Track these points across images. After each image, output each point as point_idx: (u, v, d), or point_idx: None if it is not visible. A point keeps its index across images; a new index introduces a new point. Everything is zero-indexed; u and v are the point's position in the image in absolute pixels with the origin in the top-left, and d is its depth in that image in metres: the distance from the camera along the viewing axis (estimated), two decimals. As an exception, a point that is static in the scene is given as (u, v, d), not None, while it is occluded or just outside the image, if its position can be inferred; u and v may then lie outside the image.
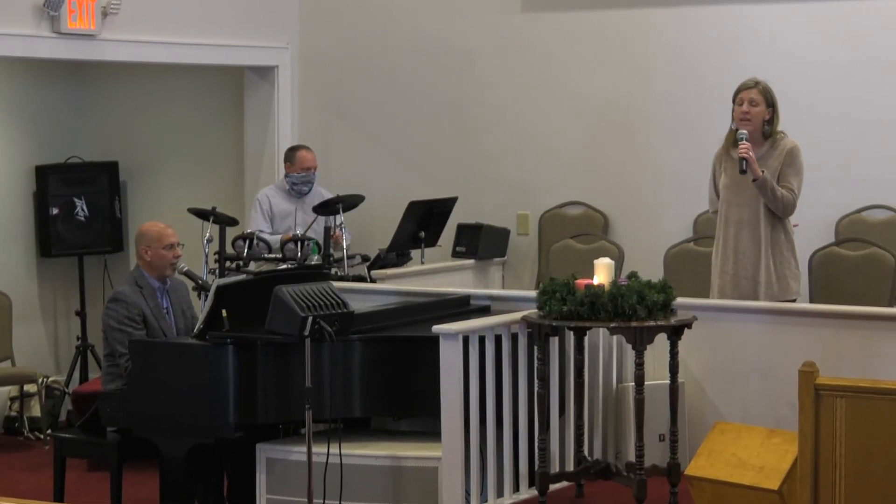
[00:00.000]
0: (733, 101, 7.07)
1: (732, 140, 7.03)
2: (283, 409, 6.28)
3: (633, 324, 6.06)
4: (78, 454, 7.07)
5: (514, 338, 6.39)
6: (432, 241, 8.92)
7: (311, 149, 8.89)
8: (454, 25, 9.44)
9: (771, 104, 7.03)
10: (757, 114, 7.00)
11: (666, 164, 8.88)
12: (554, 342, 6.49)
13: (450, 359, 6.17)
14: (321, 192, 8.85)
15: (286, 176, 8.86)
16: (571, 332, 6.54)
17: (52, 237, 9.69)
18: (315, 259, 8.12)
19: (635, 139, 8.99)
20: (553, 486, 6.45)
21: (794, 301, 7.03)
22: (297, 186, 8.78)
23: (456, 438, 6.16)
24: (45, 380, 8.99)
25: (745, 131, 6.94)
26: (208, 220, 8.29)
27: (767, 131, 7.04)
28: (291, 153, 8.87)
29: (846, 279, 7.67)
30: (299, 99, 9.82)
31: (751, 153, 6.87)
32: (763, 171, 6.90)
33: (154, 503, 6.54)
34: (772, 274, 6.98)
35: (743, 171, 6.87)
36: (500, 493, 6.39)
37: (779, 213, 6.99)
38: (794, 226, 7.18)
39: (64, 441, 6.81)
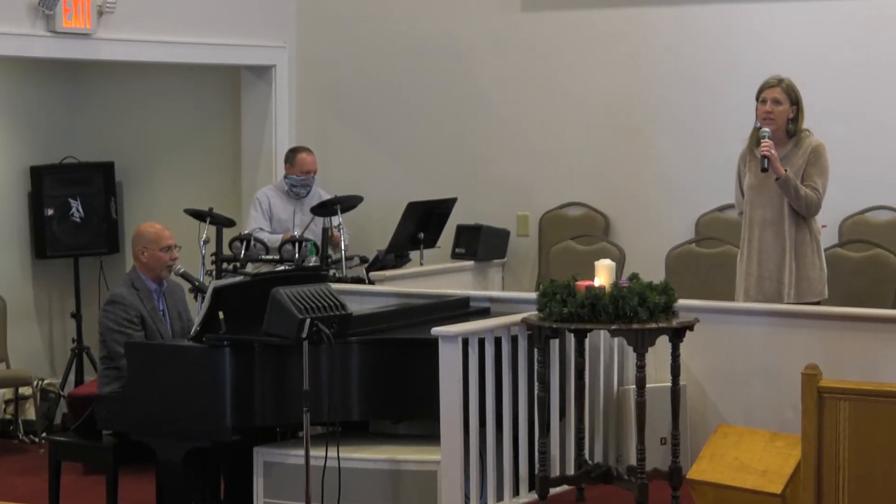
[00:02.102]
0: (756, 100, 6.99)
1: (756, 139, 6.96)
2: (281, 412, 6.27)
3: (635, 326, 6.03)
4: (73, 458, 7.04)
5: (514, 340, 6.37)
6: (431, 242, 8.90)
7: (312, 151, 8.86)
8: (453, 25, 9.42)
9: (795, 102, 6.96)
10: (780, 112, 6.93)
11: (667, 164, 8.85)
12: (554, 344, 6.46)
13: (449, 361, 6.14)
14: (319, 193, 8.83)
15: (285, 177, 8.84)
16: (572, 335, 6.51)
17: (48, 238, 9.67)
18: (313, 260, 8.08)
19: (636, 139, 8.96)
20: (553, 490, 6.41)
21: (819, 303, 6.94)
22: (296, 189, 8.76)
23: (455, 442, 6.13)
24: (40, 382, 8.96)
25: (767, 129, 6.87)
26: (205, 222, 8.27)
27: (791, 129, 6.98)
28: (292, 155, 8.85)
29: (850, 281, 7.63)
30: (297, 99, 9.79)
31: (773, 151, 6.80)
32: (786, 170, 6.84)
33: (150, 507, 6.51)
34: (793, 275, 6.92)
35: (765, 170, 6.81)
36: (499, 497, 6.36)
37: (803, 212, 6.93)
38: (823, 227, 7.12)
39: (59, 444, 6.80)
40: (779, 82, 6.97)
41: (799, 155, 6.95)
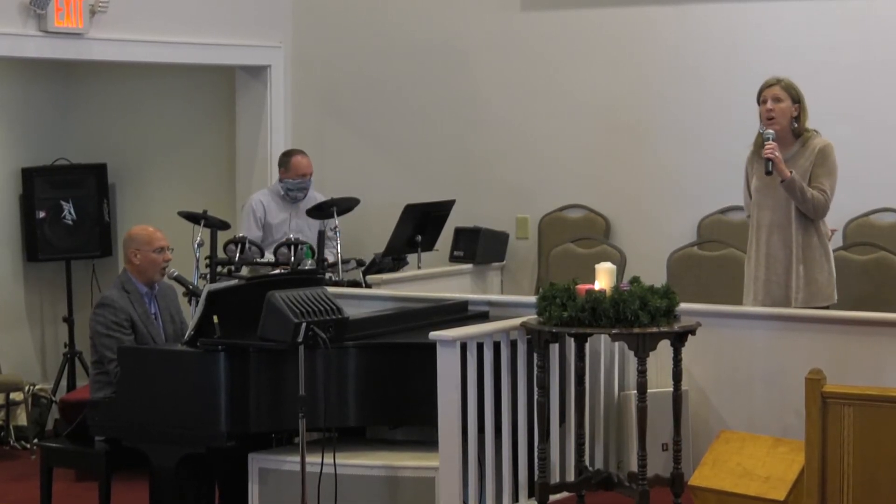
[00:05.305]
0: (758, 102, 6.92)
1: (760, 142, 6.88)
2: (276, 418, 6.24)
3: (636, 330, 5.98)
4: (65, 464, 6.99)
5: (514, 344, 6.33)
6: (429, 245, 8.89)
7: (306, 153, 8.82)
8: (452, 24, 9.41)
9: (797, 100, 6.88)
10: (782, 111, 6.84)
11: (669, 166, 8.84)
12: (554, 349, 6.41)
13: (447, 366, 6.10)
14: (315, 196, 8.78)
15: (280, 181, 8.80)
16: (572, 339, 6.47)
17: (39, 241, 9.66)
18: (309, 264, 8.04)
19: (637, 141, 8.94)
20: (553, 497, 6.37)
21: (828, 307, 6.88)
22: (292, 193, 8.73)
23: (453, 448, 6.09)
24: (31, 388, 8.95)
25: (771, 131, 6.79)
26: (199, 224, 8.25)
27: (797, 129, 6.88)
28: (286, 158, 8.80)
29: (854, 284, 7.58)
30: (292, 99, 9.77)
31: (777, 153, 6.72)
32: (791, 172, 6.75)
33: (144, 514, 6.49)
34: (801, 279, 6.85)
35: (769, 172, 6.72)
36: (498, 504, 6.31)
37: (810, 214, 6.84)
38: (832, 230, 7.05)
39: (51, 450, 6.77)
40: (777, 81, 6.91)
41: (805, 156, 6.87)
